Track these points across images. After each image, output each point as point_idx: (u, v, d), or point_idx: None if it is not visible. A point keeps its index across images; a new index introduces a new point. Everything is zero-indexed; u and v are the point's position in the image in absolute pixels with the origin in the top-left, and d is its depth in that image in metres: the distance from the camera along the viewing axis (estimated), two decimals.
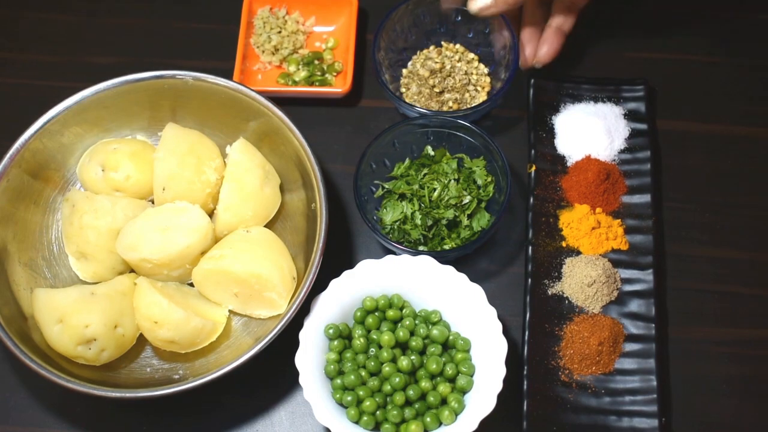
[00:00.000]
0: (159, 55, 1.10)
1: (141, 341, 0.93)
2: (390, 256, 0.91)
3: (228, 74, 1.04)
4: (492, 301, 0.89)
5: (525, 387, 0.89)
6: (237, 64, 1.05)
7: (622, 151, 1.00)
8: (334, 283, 0.90)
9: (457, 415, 0.85)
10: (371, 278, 0.91)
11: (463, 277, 0.90)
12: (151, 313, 0.89)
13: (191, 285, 0.95)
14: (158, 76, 0.97)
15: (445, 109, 1.02)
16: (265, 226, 0.97)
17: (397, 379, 0.86)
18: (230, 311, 0.94)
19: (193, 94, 0.98)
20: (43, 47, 1.12)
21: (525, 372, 0.90)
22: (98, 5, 1.14)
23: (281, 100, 1.03)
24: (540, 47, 1.01)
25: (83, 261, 0.95)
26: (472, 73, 1.03)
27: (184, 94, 0.98)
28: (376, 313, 0.91)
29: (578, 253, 0.96)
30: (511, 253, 0.98)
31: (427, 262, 0.90)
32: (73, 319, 0.88)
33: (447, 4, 1.02)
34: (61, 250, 0.97)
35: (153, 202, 0.98)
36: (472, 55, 1.05)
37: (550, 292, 0.94)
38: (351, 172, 0.97)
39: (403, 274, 0.91)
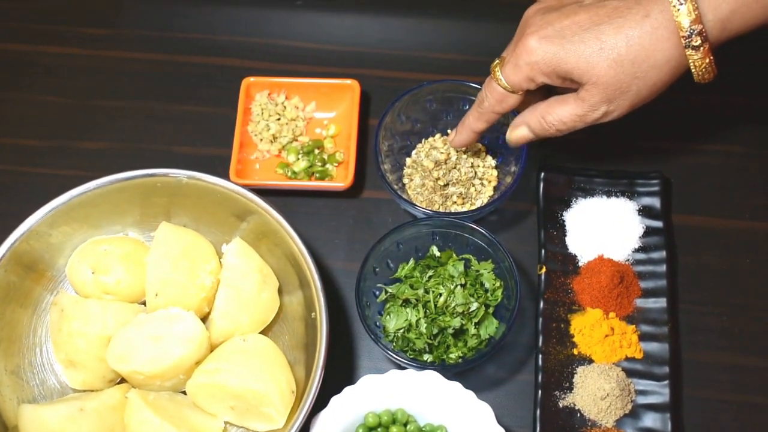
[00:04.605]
0: (153, 141, 1.05)
1: None
2: (394, 371, 0.87)
3: (225, 162, 1.00)
4: (500, 411, 0.86)
5: None
6: (234, 153, 1.00)
7: (636, 251, 0.95)
8: (334, 401, 0.86)
9: None
10: (374, 394, 0.86)
11: (470, 395, 0.85)
12: None
13: (185, 392, 0.91)
14: (151, 174, 0.92)
15: (449, 203, 0.97)
16: (263, 330, 0.93)
17: None
18: (226, 422, 0.90)
19: (187, 192, 0.93)
20: (30, 131, 1.06)
21: None
22: (90, 86, 1.09)
23: (280, 191, 0.99)
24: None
25: (72, 369, 0.91)
26: (478, 166, 0.99)
27: (178, 192, 0.93)
28: (379, 430, 0.87)
29: (590, 361, 0.91)
30: (519, 358, 0.93)
31: (432, 377, 0.86)
32: None
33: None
34: (49, 354, 0.93)
35: (145, 304, 0.93)
36: (479, 145, 1.00)
37: (561, 404, 0.89)
38: (352, 269, 0.93)
39: (408, 390, 0.86)
